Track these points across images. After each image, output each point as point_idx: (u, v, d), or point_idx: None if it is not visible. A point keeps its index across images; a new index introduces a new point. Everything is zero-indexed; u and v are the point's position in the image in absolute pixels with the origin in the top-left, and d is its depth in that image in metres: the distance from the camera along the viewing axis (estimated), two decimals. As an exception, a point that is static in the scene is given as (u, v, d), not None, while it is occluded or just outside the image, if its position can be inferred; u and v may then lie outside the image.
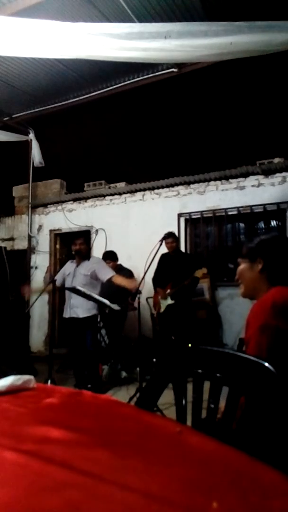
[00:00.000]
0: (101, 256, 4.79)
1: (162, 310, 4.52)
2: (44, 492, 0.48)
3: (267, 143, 6.00)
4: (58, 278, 4.02)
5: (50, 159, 6.32)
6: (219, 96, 5.45)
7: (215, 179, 5.31)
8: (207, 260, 5.23)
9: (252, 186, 5.10)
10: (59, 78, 4.95)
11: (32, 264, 6.64)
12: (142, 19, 3.77)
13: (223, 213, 5.27)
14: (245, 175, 5.12)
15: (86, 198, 6.32)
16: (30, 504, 0.45)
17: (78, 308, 3.82)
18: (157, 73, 4.83)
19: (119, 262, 4.98)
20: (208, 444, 0.69)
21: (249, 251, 1.38)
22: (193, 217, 5.49)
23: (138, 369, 3.62)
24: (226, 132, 6.30)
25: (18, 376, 0.99)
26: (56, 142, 6.67)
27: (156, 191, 5.78)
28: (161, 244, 3.56)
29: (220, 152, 6.41)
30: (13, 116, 6.05)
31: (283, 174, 4.92)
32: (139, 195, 5.90)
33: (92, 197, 6.26)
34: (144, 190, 5.84)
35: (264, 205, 4.99)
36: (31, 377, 1.01)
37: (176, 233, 4.97)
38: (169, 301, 4.44)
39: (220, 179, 5.29)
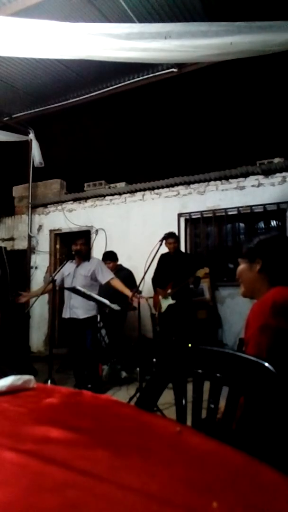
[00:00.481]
0: (101, 256, 4.79)
1: (163, 310, 4.52)
2: (44, 492, 0.48)
3: (267, 143, 6.00)
4: (57, 278, 4.02)
5: (50, 159, 6.32)
6: (219, 96, 5.45)
7: (215, 179, 5.31)
8: (207, 260, 5.23)
9: (252, 186, 5.10)
10: (59, 78, 4.95)
11: (32, 264, 6.64)
12: (142, 19, 3.77)
13: (223, 213, 5.27)
14: (245, 175, 5.13)
15: (86, 198, 6.32)
16: (30, 504, 0.45)
17: (78, 308, 3.81)
18: (157, 73, 4.83)
19: (119, 262, 4.97)
20: (208, 444, 0.69)
21: (248, 251, 1.39)
22: (193, 217, 5.49)
23: (138, 369, 3.62)
24: (226, 132, 6.29)
25: (18, 376, 0.99)
26: (56, 142, 6.67)
27: (156, 191, 5.78)
28: (161, 244, 3.56)
29: (220, 152, 6.41)
30: (13, 116, 6.05)
31: (283, 174, 4.92)
32: (139, 195, 5.90)
33: (92, 197, 6.26)
34: (144, 190, 5.84)
35: (264, 205, 4.99)
36: (31, 377, 1.01)
37: (176, 233, 4.97)
38: (170, 301, 4.44)
39: (220, 179, 5.29)
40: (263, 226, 5.33)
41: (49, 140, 6.37)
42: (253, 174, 5.07)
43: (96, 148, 6.98)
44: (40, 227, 6.73)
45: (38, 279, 6.56)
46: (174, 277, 4.45)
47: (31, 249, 6.66)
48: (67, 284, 3.86)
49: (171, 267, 4.52)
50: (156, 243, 3.46)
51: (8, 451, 0.58)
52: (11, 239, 6.94)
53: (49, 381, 3.52)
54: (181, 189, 5.59)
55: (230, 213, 5.25)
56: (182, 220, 5.56)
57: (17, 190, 7.09)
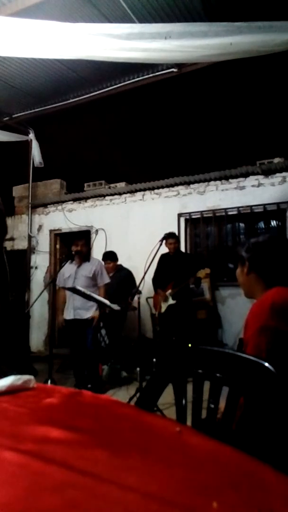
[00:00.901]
0: (100, 257, 4.79)
1: (163, 310, 4.52)
2: (44, 492, 0.48)
3: (267, 143, 6.00)
4: (60, 282, 4.02)
5: (50, 159, 6.32)
6: (219, 96, 5.45)
7: (215, 179, 5.31)
8: (207, 260, 5.23)
9: (252, 186, 5.10)
10: (59, 78, 4.95)
11: (32, 264, 6.64)
12: (142, 19, 3.77)
13: (223, 213, 5.27)
14: (245, 175, 5.13)
15: (86, 198, 6.32)
16: (30, 504, 0.45)
17: (81, 309, 3.83)
18: (157, 73, 4.83)
19: (119, 262, 4.98)
20: (208, 444, 0.69)
21: (237, 255, 1.43)
22: (193, 217, 5.49)
23: (138, 369, 3.61)
24: (226, 132, 6.30)
25: (18, 376, 0.98)
26: (56, 142, 6.67)
27: (156, 191, 5.78)
28: (161, 244, 3.56)
29: (220, 152, 6.41)
30: (13, 116, 6.05)
31: (283, 174, 4.92)
32: (139, 195, 5.90)
33: (92, 197, 6.26)
34: (144, 190, 5.84)
35: (264, 205, 4.99)
36: (31, 377, 1.01)
37: (176, 233, 4.97)
38: (171, 301, 4.44)
39: (220, 179, 5.29)
40: (263, 226, 5.33)
41: (49, 140, 6.37)
42: (253, 174, 5.07)
43: (96, 148, 6.98)
44: (40, 227, 6.73)
45: (38, 279, 6.56)
46: (174, 277, 4.44)
47: (31, 249, 6.66)
48: (68, 285, 3.86)
49: (171, 268, 4.52)
50: (156, 243, 3.46)
51: (8, 451, 0.58)
52: (11, 239, 6.94)
53: (49, 381, 3.52)
54: (181, 189, 5.59)
55: (230, 213, 5.25)
56: (182, 220, 5.56)
57: (17, 190, 7.09)
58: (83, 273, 3.89)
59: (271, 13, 3.33)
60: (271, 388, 0.93)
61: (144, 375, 3.44)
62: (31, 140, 6.33)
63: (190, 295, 4.62)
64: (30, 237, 6.66)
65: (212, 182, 5.36)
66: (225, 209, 5.24)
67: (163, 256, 4.55)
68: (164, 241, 3.68)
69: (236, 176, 5.19)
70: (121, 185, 6.20)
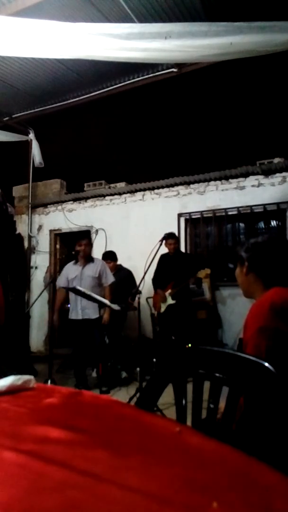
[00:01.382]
0: (100, 256, 4.79)
1: (162, 310, 4.52)
2: (44, 492, 0.48)
3: (267, 143, 6.00)
4: (62, 282, 4.02)
5: (50, 159, 6.32)
6: (219, 96, 5.45)
7: (215, 179, 5.31)
8: (207, 260, 5.23)
9: (252, 186, 5.10)
10: (59, 78, 4.95)
11: (32, 264, 6.63)
12: (142, 19, 3.77)
13: (223, 213, 5.27)
14: (245, 175, 5.13)
15: (86, 198, 6.32)
16: (30, 504, 0.45)
17: (89, 309, 3.84)
18: (157, 73, 4.82)
19: (119, 262, 4.97)
20: (208, 444, 0.69)
21: (237, 255, 1.43)
22: (193, 217, 5.49)
23: (138, 369, 3.62)
24: (226, 132, 6.29)
25: (18, 376, 0.98)
26: (56, 142, 6.66)
27: (156, 191, 5.78)
28: (161, 244, 3.56)
29: (220, 152, 6.41)
30: (13, 116, 6.05)
31: (283, 174, 4.93)
32: (139, 195, 5.90)
33: (92, 197, 6.26)
34: (144, 190, 5.84)
35: (264, 205, 4.99)
36: (31, 377, 1.01)
37: (176, 233, 4.97)
38: (170, 301, 4.44)
39: (220, 179, 5.29)
40: (263, 226, 5.33)
41: (49, 140, 6.36)
42: (253, 174, 5.07)
43: (96, 148, 6.97)
44: (40, 227, 6.73)
45: (38, 279, 6.56)
46: (174, 277, 4.44)
47: (31, 249, 6.66)
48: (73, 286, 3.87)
49: (171, 268, 4.52)
50: (156, 243, 3.46)
51: (8, 451, 0.58)
52: (11, 239, 6.93)
53: (49, 381, 3.52)
54: (181, 189, 5.59)
55: (230, 213, 5.25)
56: (182, 220, 5.56)
57: (17, 190, 7.09)
58: (89, 274, 3.90)
59: (271, 13, 3.32)
60: (271, 388, 0.93)
61: (144, 375, 3.45)
62: (31, 140, 6.32)
63: (190, 295, 4.62)
64: (30, 237, 6.66)
65: (212, 182, 5.36)
66: (225, 209, 5.24)
67: (163, 256, 4.55)
68: (164, 241, 3.68)
69: (236, 176, 5.19)
70: (121, 185, 6.20)
